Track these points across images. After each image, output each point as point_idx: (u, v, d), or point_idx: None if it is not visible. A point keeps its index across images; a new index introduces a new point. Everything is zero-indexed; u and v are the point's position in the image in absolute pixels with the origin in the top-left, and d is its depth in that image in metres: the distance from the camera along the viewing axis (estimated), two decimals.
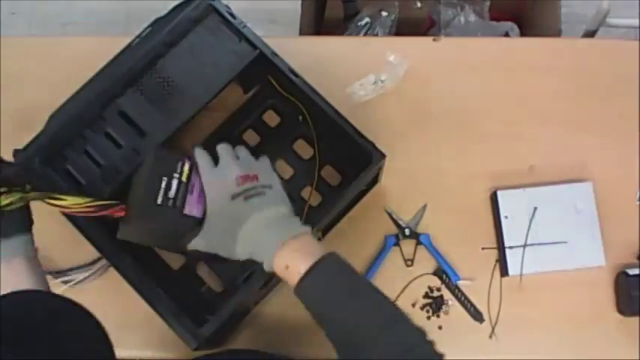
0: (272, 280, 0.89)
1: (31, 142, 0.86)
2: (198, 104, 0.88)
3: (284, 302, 0.99)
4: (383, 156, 0.89)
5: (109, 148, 0.87)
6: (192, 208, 0.64)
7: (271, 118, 1.04)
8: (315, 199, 1.00)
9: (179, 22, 0.90)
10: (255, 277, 0.85)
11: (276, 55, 0.90)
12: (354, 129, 0.90)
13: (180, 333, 0.81)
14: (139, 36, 0.90)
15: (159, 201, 0.63)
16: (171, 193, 0.63)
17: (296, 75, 0.90)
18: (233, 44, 0.90)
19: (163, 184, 0.63)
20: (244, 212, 0.62)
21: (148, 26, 0.90)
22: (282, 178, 0.72)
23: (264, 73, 0.97)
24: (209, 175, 0.66)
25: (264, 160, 0.71)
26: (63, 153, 0.87)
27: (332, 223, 1.01)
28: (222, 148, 0.69)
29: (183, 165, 0.66)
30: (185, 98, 0.88)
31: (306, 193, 1.01)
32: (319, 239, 0.99)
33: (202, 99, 0.89)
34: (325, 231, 1.01)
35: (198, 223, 0.63)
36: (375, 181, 1.01)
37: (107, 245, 0.85)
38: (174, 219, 0.63)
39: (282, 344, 0.98)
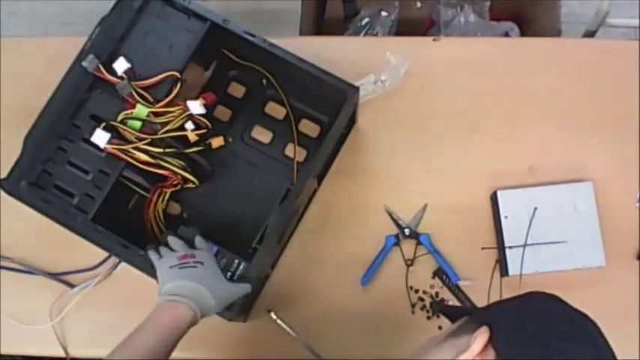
0: (283, 239, 0.98)
1: (13, 168, 0.87)
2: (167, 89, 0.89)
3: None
4: (356, 89, 0.90)
5: (90, 153, 0.88)
6: None
7: (236, 90, 1.05)
8: (300, 155, 1.02)
9: (124, 15, 0.91)
10: (267, 238, 0.88)
11: (228, 21, 0.91)
12: (322, 70, 0.90)
13: None
14: (89, 38, 0.90)
15: None
16: None
17: (252, 35, 0.91)
18: (183, 22, 0.92)
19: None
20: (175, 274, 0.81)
21: (96, 26, 0.91)
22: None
23: (220, 46, 0.99)
24: (163, 258, 0.84)
25: (206, 247, 0.88)
26: (47, 170, 0.88)
27: (323, 172, 1.03)
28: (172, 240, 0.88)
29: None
30: (152, 87, 0.89)
31: (290, 151, 1.02)
32: (315, 189, 1.03)
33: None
34: (319, 180, 1.03)
35: None
36: (352, 120, 1.02)
37: (115, 245, 0.86)
38: None
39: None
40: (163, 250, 0.86)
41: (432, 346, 0.59)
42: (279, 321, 0.87)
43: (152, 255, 0.84)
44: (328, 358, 0.98)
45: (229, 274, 0.85)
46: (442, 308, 0.91)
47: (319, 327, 1.00)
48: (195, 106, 0.89)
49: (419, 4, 1.51)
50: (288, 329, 0.88)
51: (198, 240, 0.88)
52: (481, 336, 0.52)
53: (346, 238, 1.02)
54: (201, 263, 0.82)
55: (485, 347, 0.52)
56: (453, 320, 0.64)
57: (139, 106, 0.87)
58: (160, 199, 0.98)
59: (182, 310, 0.76)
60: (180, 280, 0.78)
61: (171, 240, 0.88)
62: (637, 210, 1.02)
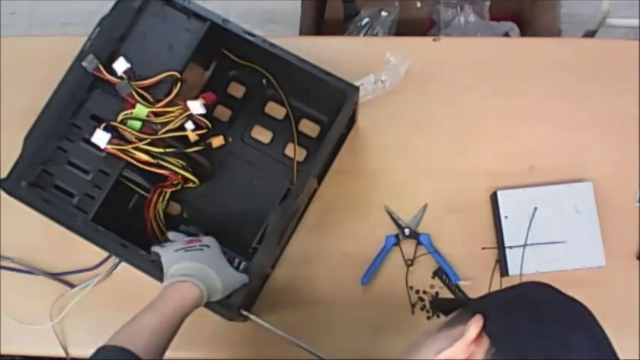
0: (283, 239, 0.98)
1: (13, 168, 0.87)
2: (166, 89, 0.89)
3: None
4: (356, 89, 0.90)
5: (90, 153, 0.88)
6: None
7: (236, 90, 1.05)
8: (300, 155, 1.02)
9: (124, 15, 0.91)
10: (268, 238, 0.87)
11: (227, 21, 0.91)
12: (322, 69, 0.90)
13: (213, 307, 0.82)
14: (89, 38, 0.90)
15: None
16: None
17: (252, 35, 0.91)
18: (183, 22, 0.91)
19: None
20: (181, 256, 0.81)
21: (96, 26, 0.91)
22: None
23: (220, 46, 0.99)
24: (168, 246, 0.85)
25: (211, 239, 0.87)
26: (47, 170, 0.88)
27: (323, 172, 1.03)
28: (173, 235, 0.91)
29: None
30: (152, 87, 0.89)
31: (289, 151, 1.02)
32: (316, 189, 1.03)
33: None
34: (319, 180, 1.03)
35: None
36: (352, 120, 1.02)
37: (115, 245, 0.85)
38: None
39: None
40: (167, 243, 0.86)
41: (427, 337, 0.59)
42: (252, 316, 0.87)
43: (156, 248, 0.84)
44: (328, 358, 0.98)
45: None
46: (437, 302, 0.91)
47: (319, 327, 1.00)
48: (196, 106, 0.89)
49: (419, 4, 1.51)
50: (265, 324, 0.87)
51: (201, 236, 0.88)
52: (475, 323, 0.52)
53: (346, 237, 1.02)
54: (208, 247, 0.82)
55: (480, 335, 0.52)
56: (448, 315, 0.63)
57: (138, 106, 0.87)
58: (160, 198, 0.98)
59: (187, 288, 0.75)
60: (187, 261, 0.78)
61: (172, 235, 0.88)
62: (637, 210, 1.02)
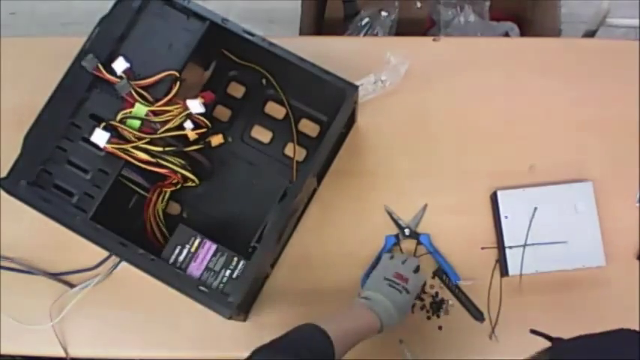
0: (282, 238, 0.99)
1: (13, 167, 0.87)
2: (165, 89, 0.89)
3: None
4: (355, 87, 0.90)
5: (90, 152, 0.88)
6: (192, 270, 0.85)
7: (236, 90, 1.05)
8: (300, 154, 1.02)
9: (124, 15, 0.91)
10: (267, 236, 0.87)
11: (227, 20, 0.91)
12: (321, 69, 0.90)
13: (212, 305, 0.82)
14: (89, 38, 0.90)
15: (170, 261, 0.86)
16: (181, 257, 0.86)
17: (251, 34, 0.91)
18: (182, 22, 0.92)
19: (177, 250, 0.86)
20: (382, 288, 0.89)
21: (96, 26, 0.91)
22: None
23: (220, 47, 0.99)
24: (387, 259, 0.96)
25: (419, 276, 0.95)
26: (47, 169, 0.88)
27: (323, 172, 1.04)
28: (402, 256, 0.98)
29: (194, 240, 0.86)
30: (151, 86, 0.89)
31: (289, 151, 1.02)
32: (315, 189, 1.04)
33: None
34: (319, 180, 1.03)
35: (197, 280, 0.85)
36: (352, 120, 1.02)
37: (114, 244, 0.85)
38: (179, 276, 0.85)
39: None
40: (398, 254, 0.97)
41: None
42: None
43: (389, 253, 0.97)
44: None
45: (229, 272, 0.85)
46: (535, 332, 0.93)
47: None
48: (195, 105, 0.89)
49: (419, 4, 1.51)
50: None
51: (411, 274, 0.92)
52: None
53: (346, 238, 1.02)
54: (407, 292, 0.88)
55: None
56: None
57: (137, 105, 0.87)
58: (160, 198, 0.98)
59: (372, 321, 0.83)
60: (384, 297, 0.86)
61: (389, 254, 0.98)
62: (637, 210, 1.02)
